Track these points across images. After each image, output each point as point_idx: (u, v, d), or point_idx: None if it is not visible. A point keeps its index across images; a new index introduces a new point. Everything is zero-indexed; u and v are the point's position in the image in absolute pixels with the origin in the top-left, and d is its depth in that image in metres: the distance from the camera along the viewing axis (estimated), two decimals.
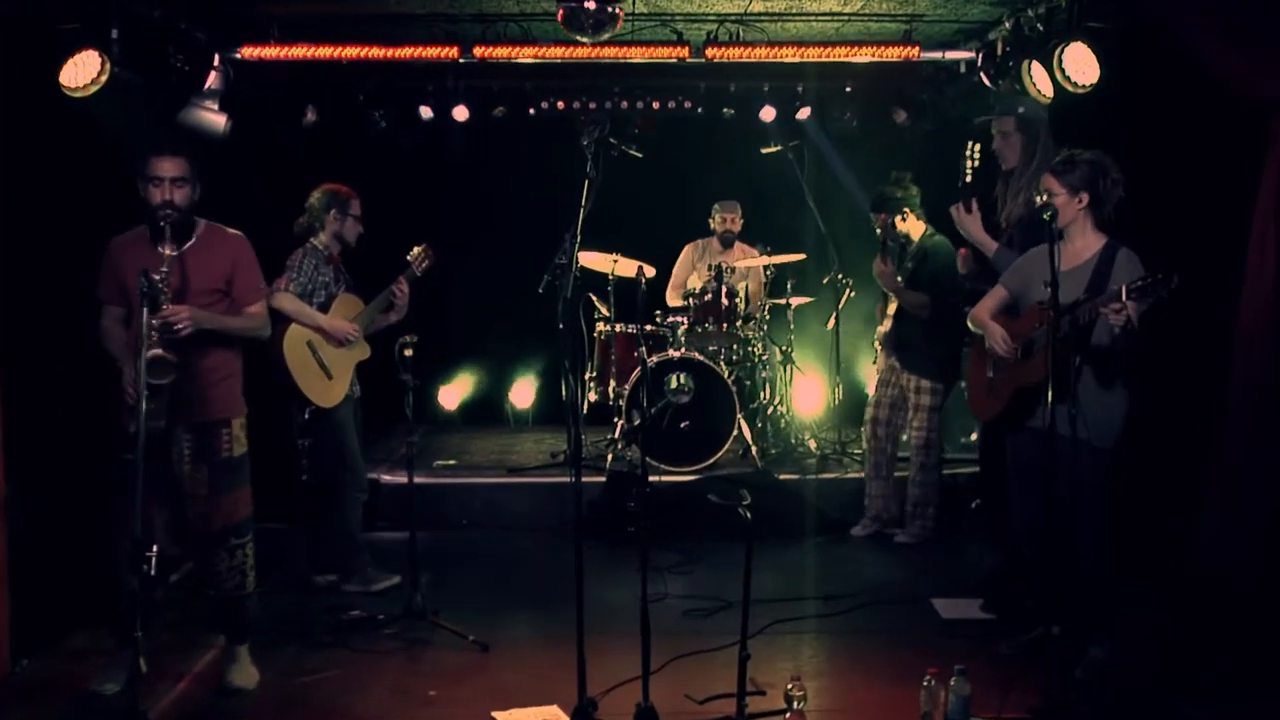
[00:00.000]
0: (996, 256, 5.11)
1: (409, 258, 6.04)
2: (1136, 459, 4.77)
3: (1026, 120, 5.28)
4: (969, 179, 5.23)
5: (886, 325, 6.77)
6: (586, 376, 8.25)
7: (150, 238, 4.44)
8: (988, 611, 5.41)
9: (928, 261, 6.49)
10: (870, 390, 7.05)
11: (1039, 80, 6.13)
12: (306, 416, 5.59)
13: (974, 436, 7.64)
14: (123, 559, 4.36)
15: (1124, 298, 4.11)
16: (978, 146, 5.30)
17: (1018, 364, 4.61)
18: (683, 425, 7.35)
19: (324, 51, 7.08)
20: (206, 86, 6.96)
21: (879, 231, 6.68)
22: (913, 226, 6.63)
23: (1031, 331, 4.54)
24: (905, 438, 6.80)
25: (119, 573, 4.42)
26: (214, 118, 7.05)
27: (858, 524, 6.92)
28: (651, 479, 5.57)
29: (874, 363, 7.05)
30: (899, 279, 6.56)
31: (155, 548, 3.86)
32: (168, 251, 4.32)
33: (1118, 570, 4.62)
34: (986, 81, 6.91)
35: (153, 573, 3.82)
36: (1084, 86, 5.77)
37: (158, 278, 4.23)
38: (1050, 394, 4.15)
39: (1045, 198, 4.45)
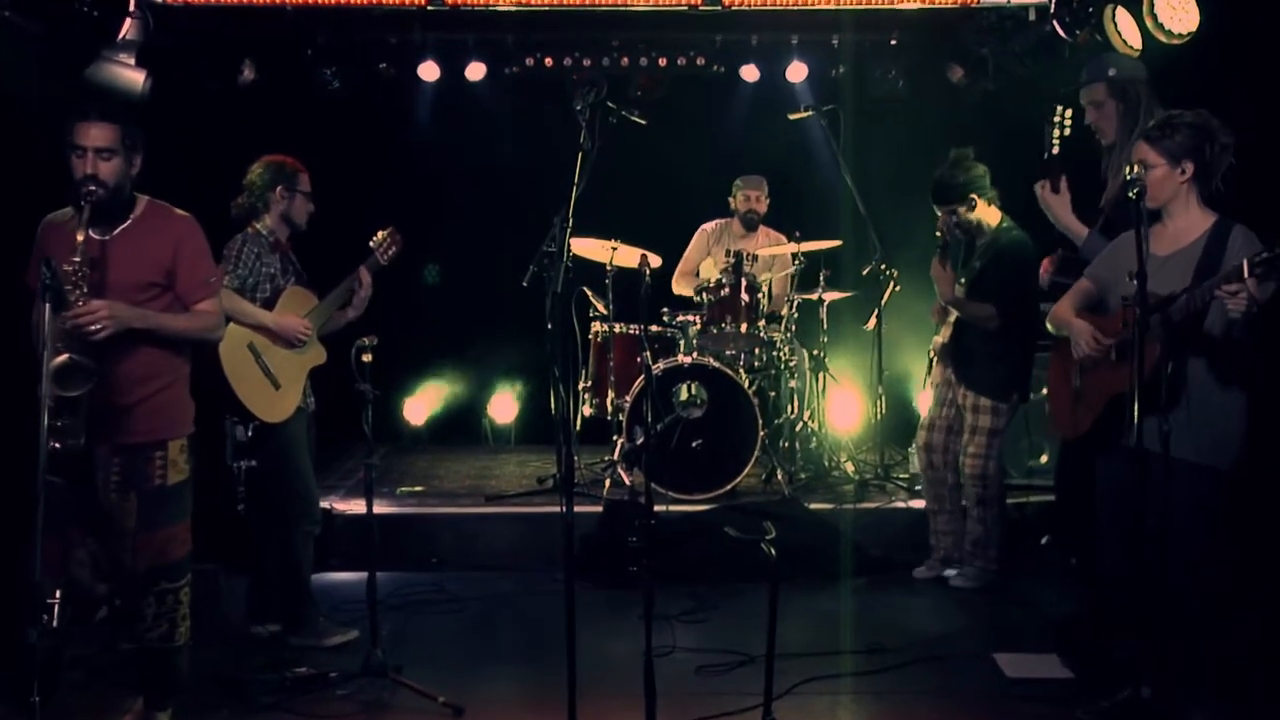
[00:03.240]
0: (1087, 244, 5.07)
1: (372, 244, 6.01)
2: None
3: (1120, 83, 5.24)
4: (1055, 150, 5.15)
5: (945, 334, 6.66)
6: (580, 386, 8.22)
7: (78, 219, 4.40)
8: (1062, 669, 5.36)
9: (1001, 263, 6.36)
10: (922, 408, 6.98)
11: (1125, 29, 6.09)
12: (249, 434, 5.55)
13: (1044, 459, 7.61)
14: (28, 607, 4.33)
15: (1245, 274, 4.04)
16: (1068, 112, 5.22)
17: (1111, 367, 4.57)
18: (695, 445, 7.32)
19: None
20: (121, 36, 6.92)
21: (940, 233, 6.55)
22: (984, 214, 6.45)
23: (1126, 330, 4.49)
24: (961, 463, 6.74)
25: (21, 625, 4.36)
26: (130, 74, 7.01)
27: (922, 564, 6.86)
28: (657, 509, 5.54)
29: (927, 374, 6.99)
30: (961, 282, 6.48)
31: (59, 593, 3.81)
32: (83, 236, 4.27)
33: (1224, 615, 4.57)
34: (1060, 32, 6.87)
35: (55, 624, 3.78)
36: (1180, 36, 5.73)
37: (69, 268, 4.19)
38: (1136, 404, 4.10)
39: (1139, 171, 4.38)
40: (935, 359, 6.76)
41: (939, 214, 6.53)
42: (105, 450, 4.39)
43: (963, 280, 6.47)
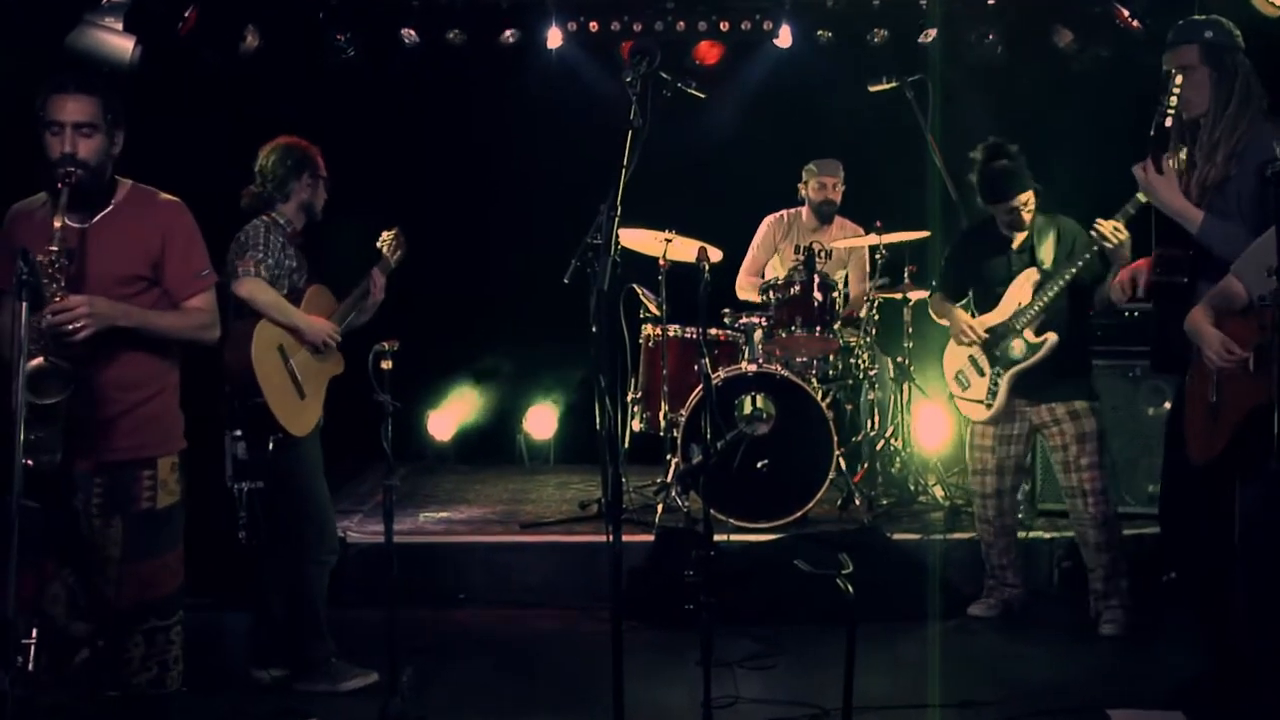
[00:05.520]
0: (1205, 230, 4.99)
1: (379, 244, 6.04)
2: None
3: (1217, 48, 5.16)
4: (1169, 123, 5.07)
5: (1019, 347, 6.52)
6: (629, 398, 8.22)
7: (53, 204, 4.39)
8: None
9: (1070, 243, 6.43)
10: (983, 442, 6.80)
11: None
12: (271, 448, 5.54)
13: None
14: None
15: None
16: (1180, 77, 5.16)
17: (1250, 378, 4.50)
18: (760, 465, 7.31)
19: None
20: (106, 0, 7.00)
21: (1015, 216, 6.51)
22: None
23: (1264, 334, 4.42)
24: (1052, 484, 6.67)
25: None
26: (118, 42, 7.07)
27: (979, 601, 6.83)
28: (717, 538, 5.51)
29: (951, 398, 6.88)
30: (1036, 282, 6.44)
31: (34, 633, 3.82)
32: (60, 222, 4.27)
33: None
34: None
35: (30, 666, 3.79)
36: None
37: (45, 259, 4.19)
38: (1278, 419, 4.04)
39: (1277, 149, 4.31)
40: (1003, 387, 6.58)
41: (1001, 210, 6.48)
42: (86, 468, 4.39)
43: (1038, 278, 6.42)
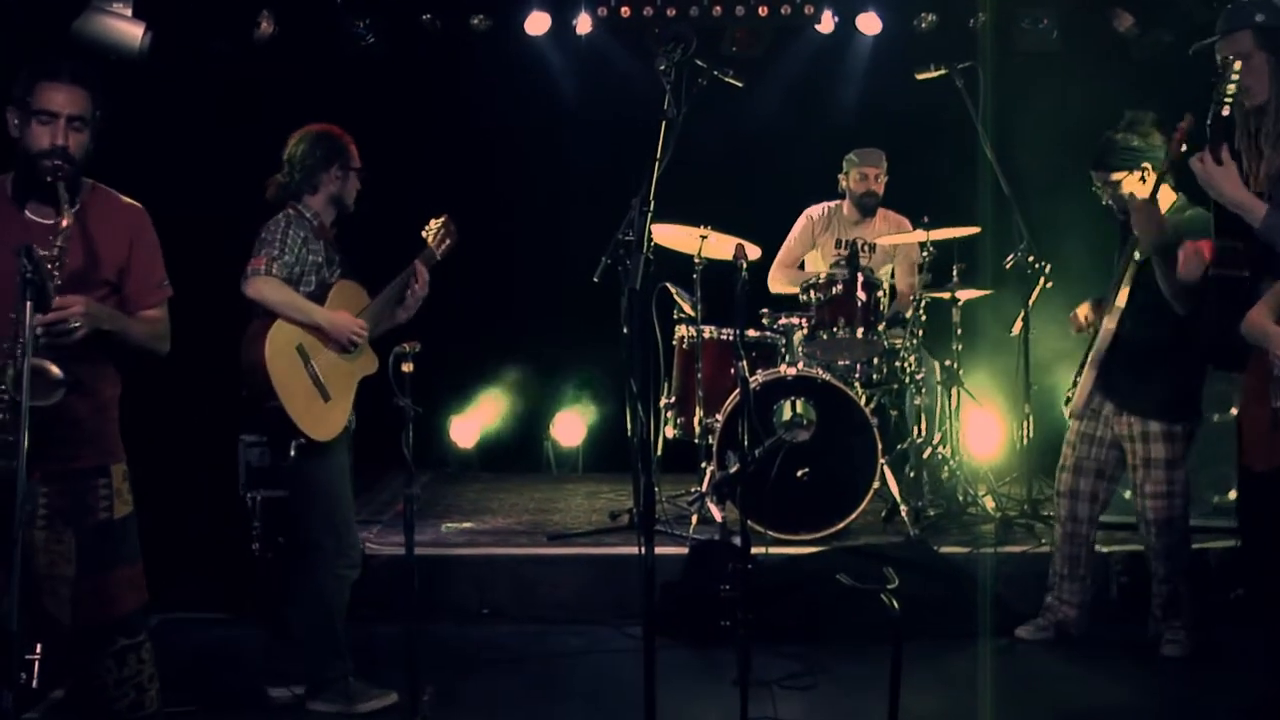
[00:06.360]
0: (1268, 224, 4.96)
1: (425, 234, 6.03)
2: None
3: (1269, 31, 5.12)
4: (1225, 112, 5.05)
5: (1103, 345, 6.49)
6: (662, 403, 8.21)
7: (13, 195, 4.40)
8: None
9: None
10: (1069, 437, 6.79)
11: None
12: (293, 453, 5.55)
13: (1232, 495, 7.47)
14: None
15: None
16: (1238, 64, 5.13)
17: None
18: (800, 474, 7.29)
19: None
20: None
21: (1107, 201, 6.46)
22: (1159, 193, 6.40)
23: None
24: (1126, 499, 6.60)
25: None
26: (126, 28, 7.11)
27: (1028, 623, 6.76)
28: (755, 551, 5.50)
29: (1065, 403, 6.84)
30: (1126, 276, 6.34)
31: (39, 648, 3.82)
32: (68, 220, 4.25)
33: None
34: None
35: (35, 683, 3.79)
36: None
37: (47, 253, 4.16)
38: None
39: None
40: (1090, 377, 6.56)
41: (1097, 184, 6.42)
42: (33, 478, 4.25)
43: (1128, 274, 6.35)
